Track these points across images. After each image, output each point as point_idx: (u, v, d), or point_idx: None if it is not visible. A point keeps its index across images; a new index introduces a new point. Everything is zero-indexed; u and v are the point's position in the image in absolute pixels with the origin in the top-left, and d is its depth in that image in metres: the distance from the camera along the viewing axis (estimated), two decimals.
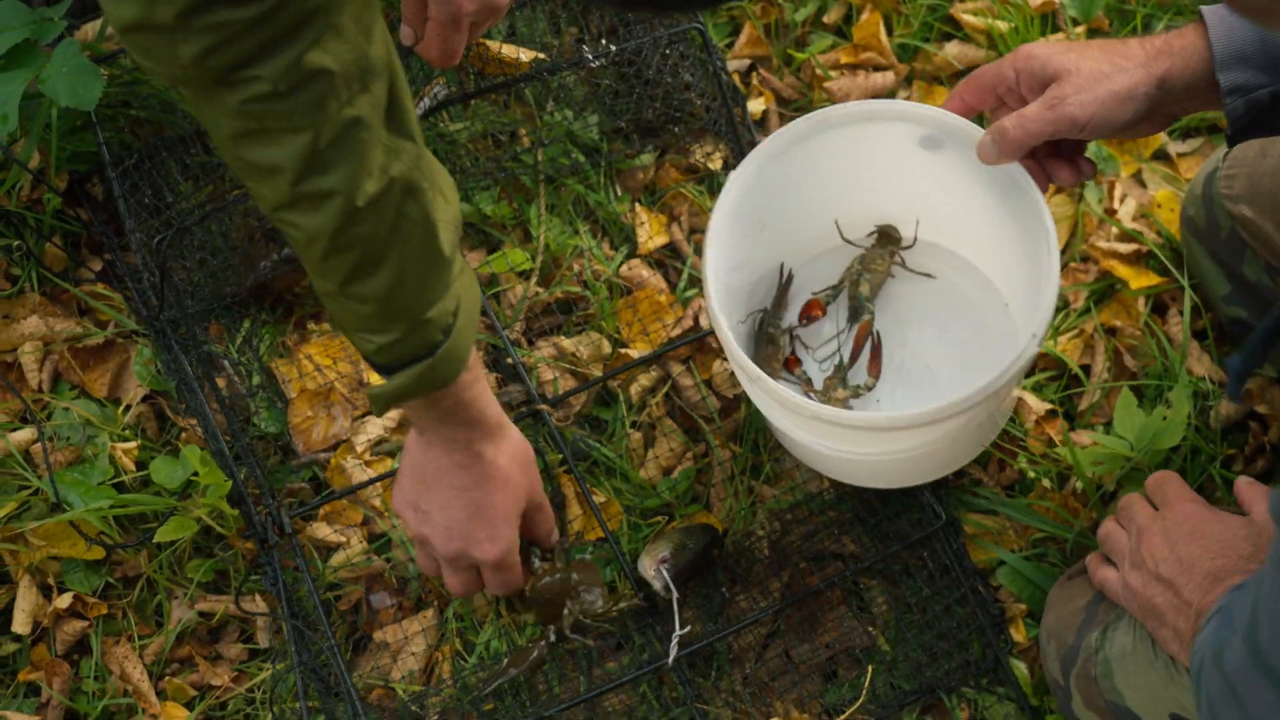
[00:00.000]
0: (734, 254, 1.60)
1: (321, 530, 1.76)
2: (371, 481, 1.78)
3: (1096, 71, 1.42)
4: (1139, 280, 1.85)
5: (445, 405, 1.43)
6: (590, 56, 1.91)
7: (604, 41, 1.93)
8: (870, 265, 1.72)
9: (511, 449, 1.57)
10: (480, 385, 1.47)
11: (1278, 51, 1.39)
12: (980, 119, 1.58)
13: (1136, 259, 1.87)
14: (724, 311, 1.53)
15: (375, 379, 1.82)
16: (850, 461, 1.65)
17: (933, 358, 1.72)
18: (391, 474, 1.78)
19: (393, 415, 1.82)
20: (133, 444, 1.78)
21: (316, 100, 1.16)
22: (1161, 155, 1.98)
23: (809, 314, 1.72)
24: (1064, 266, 1.89)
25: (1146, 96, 1.42)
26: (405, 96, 1.26)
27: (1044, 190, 1.51)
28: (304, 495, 1.80)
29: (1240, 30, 1.40)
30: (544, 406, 1.80)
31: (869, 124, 1.60)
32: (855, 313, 1.72)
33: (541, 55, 1.96)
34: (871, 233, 1.74)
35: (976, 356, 1.68)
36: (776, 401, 1.50)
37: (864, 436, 1.54)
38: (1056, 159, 1.53)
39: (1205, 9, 1.42)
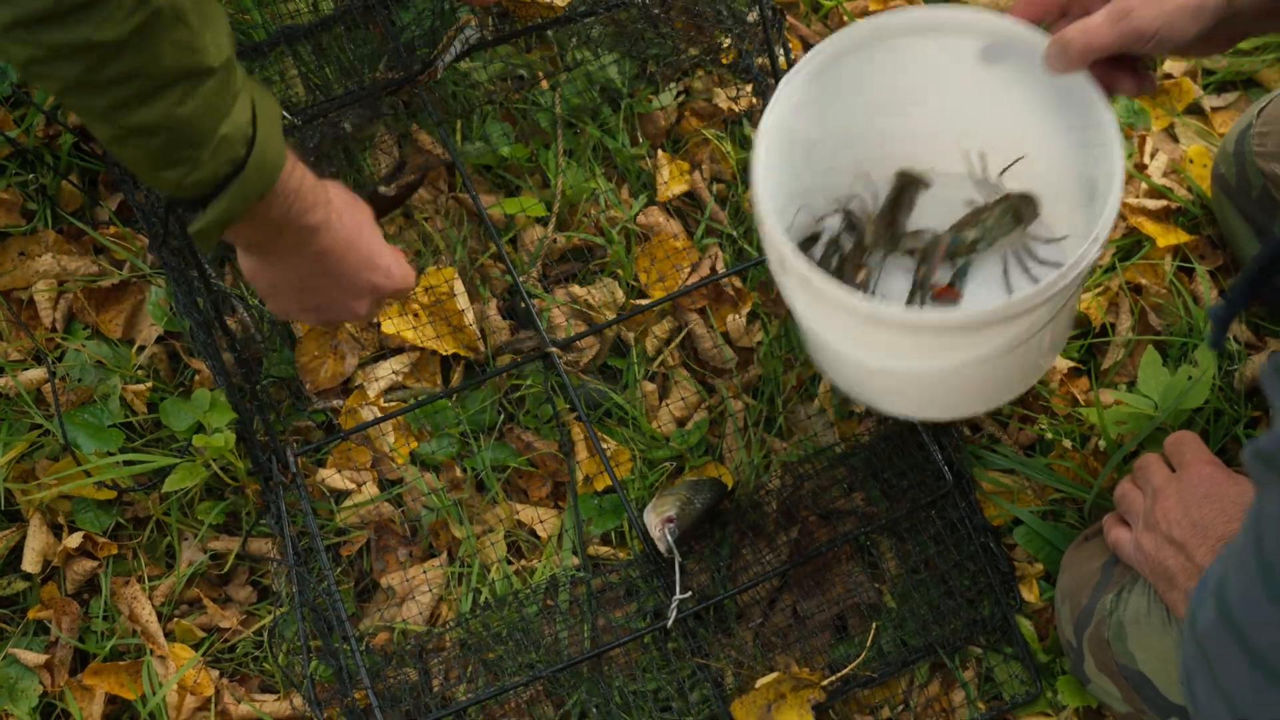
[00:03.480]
0: (782, 179, 1.50)
1: (331, 476, 1.75)
2: (377, 421, 1.77)
3: None
4: (1167, 237, 1.81)
5: (276, 213, 1.33)
6: None
7: None
8: (991, 235, 1.59)
9: (344, 205, 1.45)
10: (299, 172, 1.34)
11: None
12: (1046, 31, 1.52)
13: (1165, 215, 1.84)
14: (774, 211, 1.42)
15: (391, 317, 1.81)
16: (900, 380, 1.54)
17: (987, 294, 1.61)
18: (400, 413, 1.78)
19: (403, 361, 1.81)
20: (144, 385, 1.77)
21: None
22: (1195, 109, 1.93)
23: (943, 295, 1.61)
24: None
25: (1215, 12, 1.35)
26: None
27: (1108, 98, 1.42)
28: (310, 435, 1.79)
29: None
30: (553, 349, 1.78)
31: (927, 35, 1.50)
32: (941, 274, 1.60)
33: None
34: (1000, 199, 1.62)
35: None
36: (829, 300, 1.37)
37: (922, 342, 1.41)
38: (1120, 69, 1.45)
39: None
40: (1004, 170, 1.61)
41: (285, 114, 1.76)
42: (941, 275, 1.59)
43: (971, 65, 1.51)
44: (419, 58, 1.85)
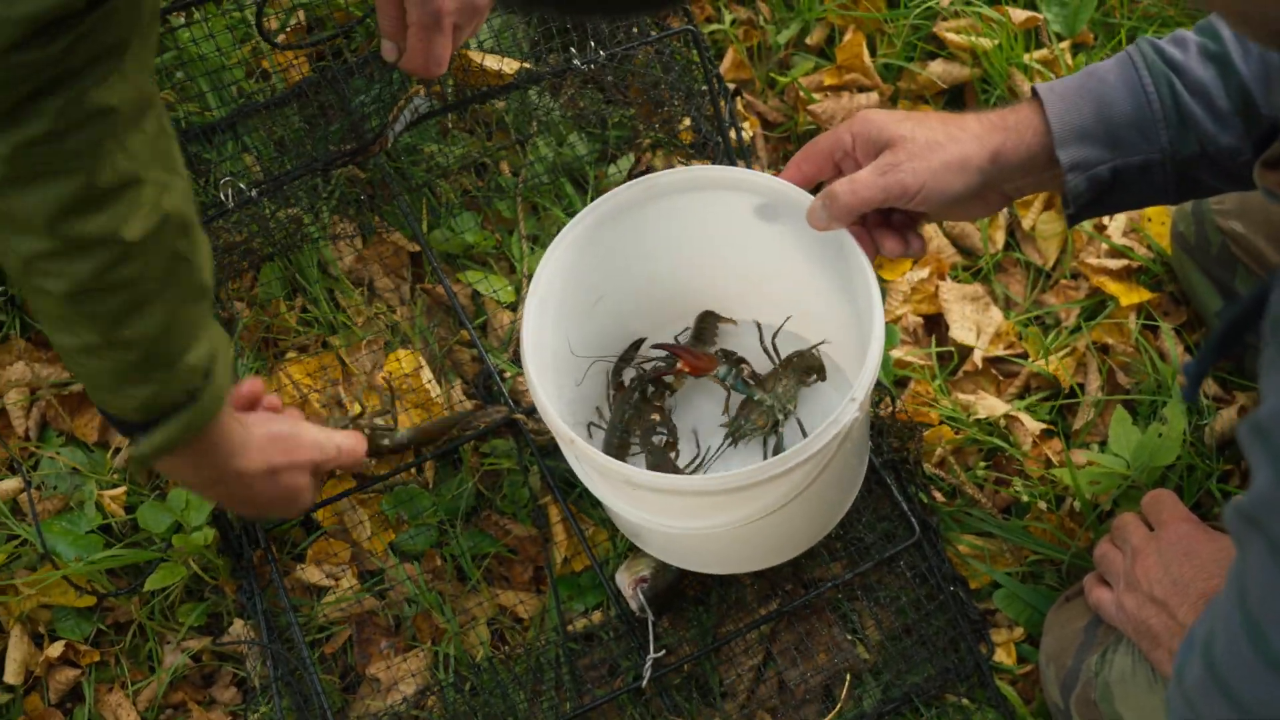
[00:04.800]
0: (570, 322, 1.58)
1: (309, 570, 1.75)
2: (350, 492, 1.78)
3: (931, 140, 1.39)
4: (1130, 296, 1.84)
5: (207, 444, 1.33)
6: (578, 63, 1.87)
7: (593, 45, 1.89)
8: (779, 396, 1.67)
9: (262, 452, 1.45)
10: (228, 414, 1.36)
11: (1115, 126, 1.37)
12: (820, 190, 1.55)
13: (1127, 275, 1.86)
14: (547, 378, 1.51)
15: (356, 406, 1.81)
16: (691, 539, 1.58)
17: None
18: (374, 481, 1.78)
19: None
20: (120, 490, 1.77)
21: (95, 140, 1.10)
22: None
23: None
24: (1054, 284, 1.88)
25: (979, 170, 1.39)
26: (169, 126, 1.20)
27: (871, 257, 1.46)
28: (289, 532, 1.79)
29: (1078, 106, 1.37)
30: (520, 415, 1.78)
31: (701, 192, 1.56)
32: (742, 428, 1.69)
33: (527, 65, 1.94)
34: (784, 365, 1.71)
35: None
36: (591, 463, 1.44)
37: (689, 503, 1.48)
38: (886, 229, 1.49)
39: (1040, 86, 1.40)
40: (775, 334, 1.72)
41: (241, 187, 1.77)
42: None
43: (751, 220, 1.57)
44: (370, 130, 1.86)
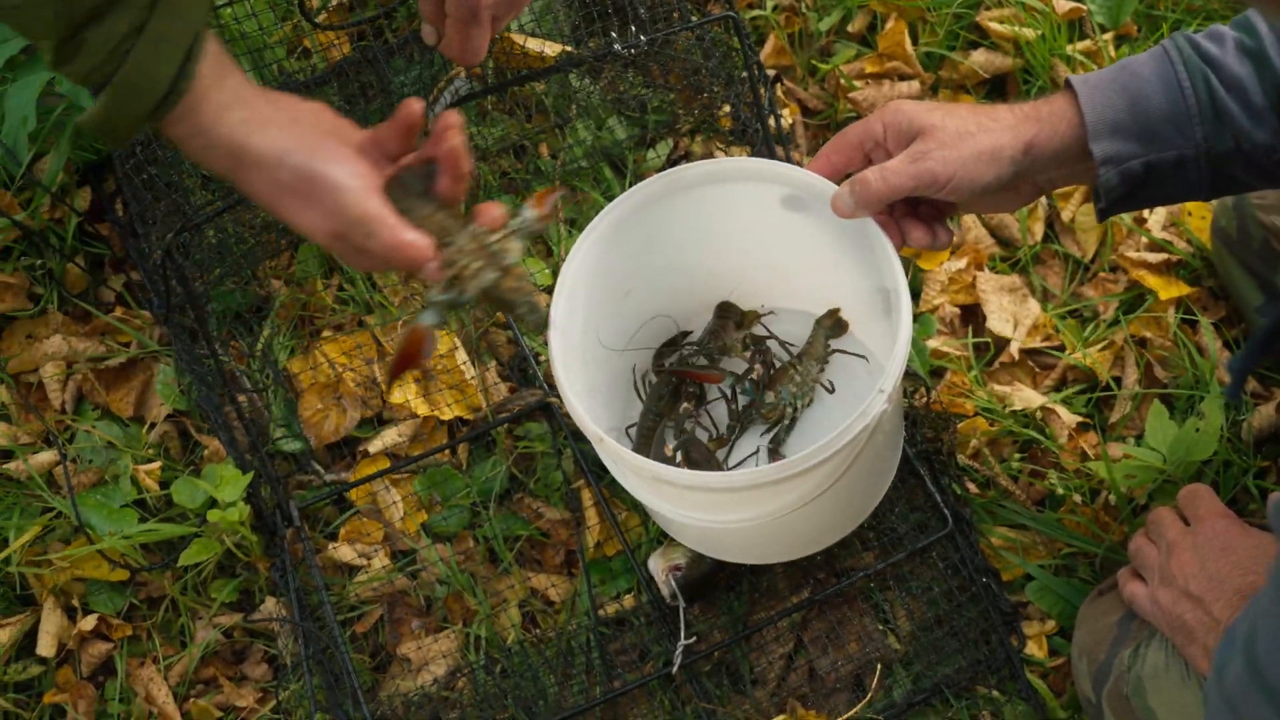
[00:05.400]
0: (600, 313, 1.58)
1: (342, 549, 1.75)
2: (383, 473, 1.78)
3: (962, 130, 1.39)
4: (1169, 290, 1.82)
5: (182, 133, 1.23)
6: (619, 47, 1.86)
7: (633, 29, 1.88)
8: (790, 394, 1.68)
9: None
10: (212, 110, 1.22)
11: (1150, 120, 1.36)
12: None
13: (1166, 269, 1.85)
14: (571, 367, 1.49)
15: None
16: (729, 533, 1.59)
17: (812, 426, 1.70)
18: (406, 463, 1.79)
19: (410, 426, 1.81)
20: (155, 464, 1.77)
21: None
22: None
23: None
24: (1093, 276, 1.87)
25: (1011, 160, 1.38)
26: None
27: (898, 247, 1.46)
28: (312, 484, 1.80)
29: (1112, 99, 1.36)
30: (554, 399, 1.78)
31: (729, 183, 1.56)
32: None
33: (568, 48, 1.93)
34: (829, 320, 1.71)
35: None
36: (625, 463, 1.44)
37: (719, 499, 1.48)
38: (913, 219, 1.48)
39: (1073, 78, 1.39)
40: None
41: None
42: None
43: (778, 211, 1.56)
44: None
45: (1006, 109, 1.41)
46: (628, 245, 1.56)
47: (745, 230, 1.61)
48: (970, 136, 1.38)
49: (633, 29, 1.87)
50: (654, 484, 1.45)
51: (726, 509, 1.48)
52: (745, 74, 1.89)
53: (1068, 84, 1.39)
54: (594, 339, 1.59)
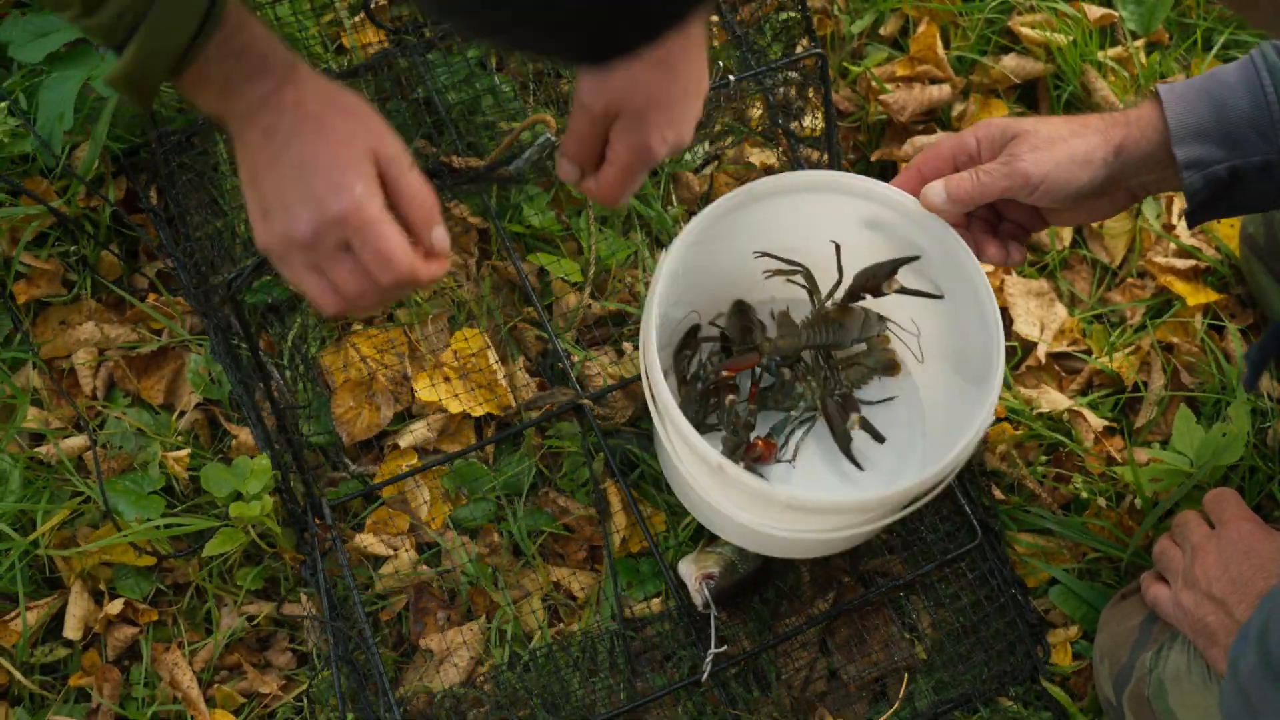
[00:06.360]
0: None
1: (369, 540, 1.76)
2: (414, 472, 1.79)
3: (1054, 134, 1.41)
4: (1196, 296, 1.83)
5: (216, 72, 1.20)
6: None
7: (719, 65, 1.87)
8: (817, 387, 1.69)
9: (319, 91, 1.24)
10: (247, 31, 1.21)
11: (1233, 125, 1.37)
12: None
13: (1194, 275, 1.85)
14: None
15: (422, 382, 1.82)
16: (777, 542, 1.60)
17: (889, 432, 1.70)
18: (438, 463, 1.80)
19: (439, 420, 1.82)
20: (184, 452, 1.79)
21: None
22: None
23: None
24: (1120, 282, 1.88)
25: (1104, 162, 1.40)
26: None
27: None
28: (345, 485, 1.80)
29: (1196, 105, 1.38)
30: (585, 400, 1.79)
31: (812, 193, 1.56)
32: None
33: None
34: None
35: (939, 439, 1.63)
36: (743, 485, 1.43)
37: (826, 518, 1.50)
38: (990, 236, 1.51)
39: (1160, 86, 1.41)
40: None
41: None
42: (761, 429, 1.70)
43: (855, 224, 1.56)
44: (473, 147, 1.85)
45: (1096, 116, 1.43)
46: (712, 243, 1.57)
47: (824, 240, 1.61)
48: (1062, 140, 1.40)
49: (719, 64, 1.88)
50: (763, 503, 1.46)
51: (813, 521, 1.49)
52: (801, 103, 1.89)
53: (1155, 91, 1.41)
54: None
